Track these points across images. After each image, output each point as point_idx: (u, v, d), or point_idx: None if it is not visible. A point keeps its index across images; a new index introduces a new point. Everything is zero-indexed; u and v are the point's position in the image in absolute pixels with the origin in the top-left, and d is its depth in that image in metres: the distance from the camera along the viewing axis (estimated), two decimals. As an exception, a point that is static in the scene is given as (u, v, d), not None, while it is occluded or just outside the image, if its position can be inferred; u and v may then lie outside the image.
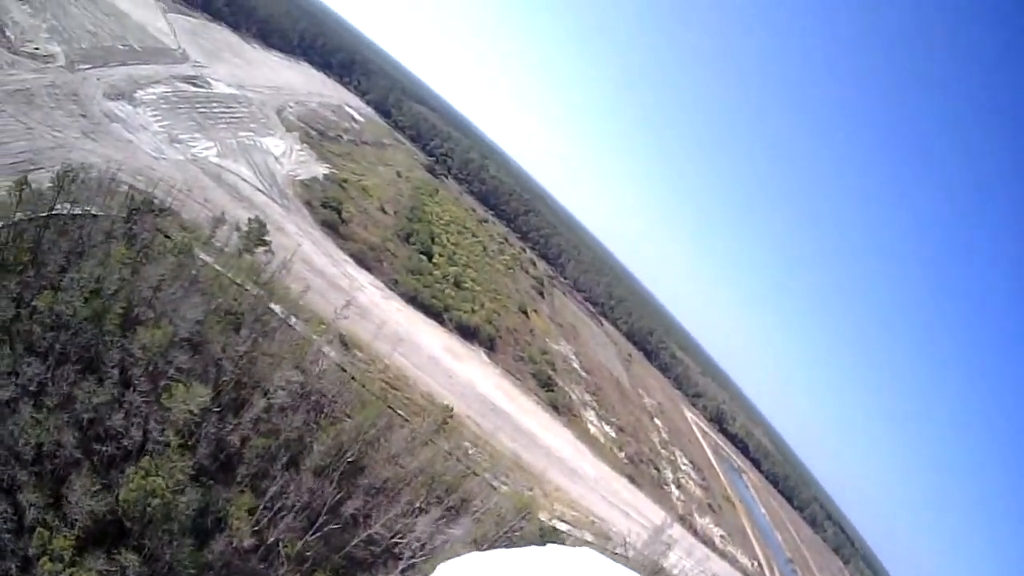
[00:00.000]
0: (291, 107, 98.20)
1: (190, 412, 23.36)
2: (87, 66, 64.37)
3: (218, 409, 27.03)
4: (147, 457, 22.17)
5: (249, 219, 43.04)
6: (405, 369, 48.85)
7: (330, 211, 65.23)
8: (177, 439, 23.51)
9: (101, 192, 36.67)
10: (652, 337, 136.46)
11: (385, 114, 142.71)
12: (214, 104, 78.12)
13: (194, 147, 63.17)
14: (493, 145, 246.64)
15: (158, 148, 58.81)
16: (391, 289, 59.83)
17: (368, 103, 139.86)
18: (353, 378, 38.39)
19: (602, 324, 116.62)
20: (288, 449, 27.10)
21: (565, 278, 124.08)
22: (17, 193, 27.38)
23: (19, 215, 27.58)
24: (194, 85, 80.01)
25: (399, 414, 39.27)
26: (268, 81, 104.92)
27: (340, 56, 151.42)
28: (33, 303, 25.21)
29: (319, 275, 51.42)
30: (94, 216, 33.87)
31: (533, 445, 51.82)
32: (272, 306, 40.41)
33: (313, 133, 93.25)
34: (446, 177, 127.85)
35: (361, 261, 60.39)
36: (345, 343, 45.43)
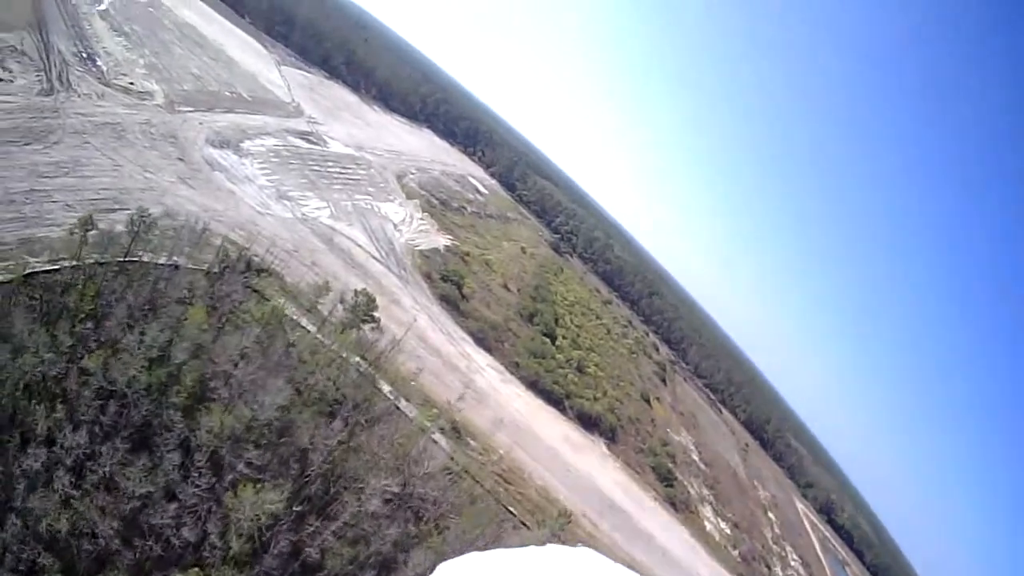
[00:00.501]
0: (412, 173, 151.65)
1: (258, 517, 37.83)
2: (189, 108, 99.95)
3: (298, 508, 43.45)
4: (196, 569, 35.15)
5: (356, 291, 69.90)
6: (521, 462, 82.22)
7: (450, 285, 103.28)
8: (240, 543, 37.33)
9: (190, 242, 60.15)
10: (769, 426, 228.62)
11: (510, 187, 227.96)
12: (329, 163, 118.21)
13: (305, 206, 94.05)
14: (615, 223, 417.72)
15: (264, 203, 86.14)
16: (511, 372, 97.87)
17: (492, 175, 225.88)
18: (465, 471, 66.39)
19: (721, 412, 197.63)
20: (379, 564, 44.98)
21: (686, 363, 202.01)
22: (81, 232, 46.33)
23: (90, 257, 48.04)
24: (308, 141, 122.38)
25: (511, 512, 70.11)
26: (389, 145, 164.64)
27: (464, 125, 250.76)
28: (85, 361, 40.36)
29: (435, 354, 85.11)
30: (176, 268, 57.45)
31: (650, 547, 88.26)
32: (380, 386, 66.59)
33: (435, 202, 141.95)
34: (571, 255, 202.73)
35: (481, 341, 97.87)
36: (458, 431, 75.25)
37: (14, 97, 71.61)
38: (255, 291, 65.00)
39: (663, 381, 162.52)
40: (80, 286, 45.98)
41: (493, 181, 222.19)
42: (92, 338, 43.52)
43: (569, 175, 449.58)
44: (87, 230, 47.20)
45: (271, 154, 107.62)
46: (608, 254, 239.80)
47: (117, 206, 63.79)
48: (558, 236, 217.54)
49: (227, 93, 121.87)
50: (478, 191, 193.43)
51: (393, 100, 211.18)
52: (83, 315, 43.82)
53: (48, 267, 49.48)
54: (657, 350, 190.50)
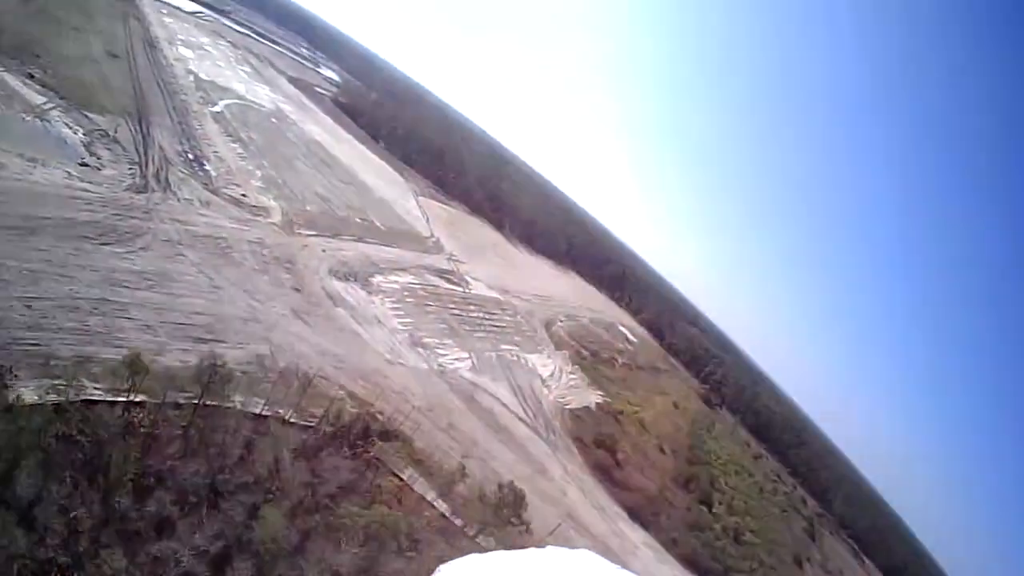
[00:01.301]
0: (561, 321, 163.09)
1: None
2: (311, 232, 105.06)
3: None
4: None
5: (501, 485, 71.24)
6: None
7: (603, 451, 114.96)
8: None
9: (297, 391, 62.89)
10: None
11: (658, 335, 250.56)
12: (472, 307, 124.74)
13: (443, 356, 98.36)
14: (759, 369, 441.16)
15: (394, 349, 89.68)
16: (668, 551, 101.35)
17: (640, 322, 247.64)
18: None
19: (864, 562, 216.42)
20: None
21: (832, 514, 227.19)
22: (128, 371, 46.68)
23: (163, 395, 49.29)
24: (449, 281, 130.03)
25: None
26: (535, 289, 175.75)
27: (611, 269, 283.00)
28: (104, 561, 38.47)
29: (585, 533, 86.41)
30: (269, 419, 57.94)
31: None
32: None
33: (585, 353, 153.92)
34: (720, 407, 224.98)
35: (636, 515, 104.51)
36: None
37: (98, 187, 72.86)
38: (377, 461, 63.33)
39: (811, 537, 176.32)
40: (133, 436, 44.44)
41: (642, 329, 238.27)
42: (122, 521, 39.88)
43: (713, 319, 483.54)
44: (133, 368, 46.32)
45: (405, 293, 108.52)
46: (756, 404, 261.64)
47: (209, 336, 62.07)
48: (707, 387, 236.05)
49: (357, 220, 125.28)
50: (628, 340, 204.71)
51: (538, 240, 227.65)
52: (126, 478, 41.38)
53: (105, 397, 46.06)
54: (805, 503, 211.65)
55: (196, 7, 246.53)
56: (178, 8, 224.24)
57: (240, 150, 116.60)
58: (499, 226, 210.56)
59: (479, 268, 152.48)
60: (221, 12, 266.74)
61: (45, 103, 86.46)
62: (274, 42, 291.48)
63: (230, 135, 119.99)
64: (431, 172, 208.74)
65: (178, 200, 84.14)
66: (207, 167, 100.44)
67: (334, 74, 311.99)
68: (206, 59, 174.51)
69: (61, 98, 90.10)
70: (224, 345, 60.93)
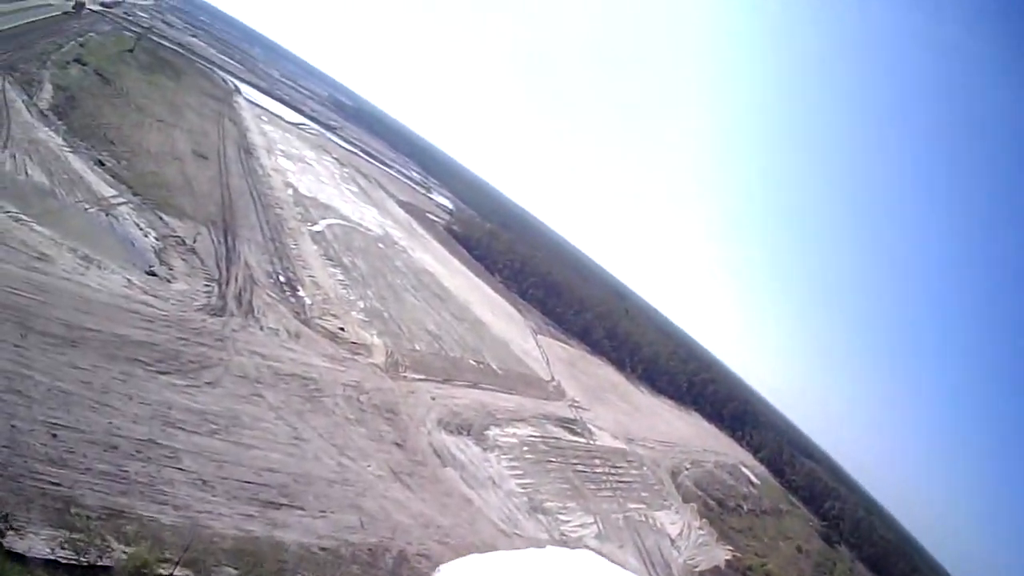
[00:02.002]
0: (687, 468, 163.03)
1: None
2: (419, 376, 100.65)
3: None
4: None
5: None
6: None
7: None
8: None
9: (392, 572, 57.07)
10: None
11: (778, 472, 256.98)
12: (596, 461, 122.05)
13: (566, 522, 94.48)
14: (871, 496, 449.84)
15: (511, 517, 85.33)
16: None
17: (761, 460, 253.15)
18: None
19: None
20: None
21: None
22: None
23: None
24: (571, 432, 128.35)
25: None
26: (659, 434, 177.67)
27: (732, 406, 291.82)
28: None
29: None
30: None
31: None
32: None
33: (712, 503, 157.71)
34: (839, 544, 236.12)
35: None
36: None
37: (164, 303, 66.09)
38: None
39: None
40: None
41: (762, 468, 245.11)
42: None
43: (830, 451, 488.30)
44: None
45: (525, 448, 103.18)
46: (873, 535, 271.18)
47: (283, 500, 53.21)
48: (826, 524, 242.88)
49: (472, 362, 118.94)
50: (751, 482, 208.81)
51: (660, 379, 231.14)
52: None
53: (136, 567, 37.91)
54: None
55: (300, 119, 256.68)
56: (279, 116, 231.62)
57: (341, 276, 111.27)
58: (620, 365, 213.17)
59: (602, 414, 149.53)
60: (327, 127, 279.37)
61: (114, 196, 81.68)
62: (384, 163, 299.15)
63: (330, 259, 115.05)
64: (549, 308, 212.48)
65: (261, 329, 77.23)
66: (300, 293, 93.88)
67: (447, 201, 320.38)
68: (308, 173, 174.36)
69: (134, 194, 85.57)
70: (301, 513, 52.70)
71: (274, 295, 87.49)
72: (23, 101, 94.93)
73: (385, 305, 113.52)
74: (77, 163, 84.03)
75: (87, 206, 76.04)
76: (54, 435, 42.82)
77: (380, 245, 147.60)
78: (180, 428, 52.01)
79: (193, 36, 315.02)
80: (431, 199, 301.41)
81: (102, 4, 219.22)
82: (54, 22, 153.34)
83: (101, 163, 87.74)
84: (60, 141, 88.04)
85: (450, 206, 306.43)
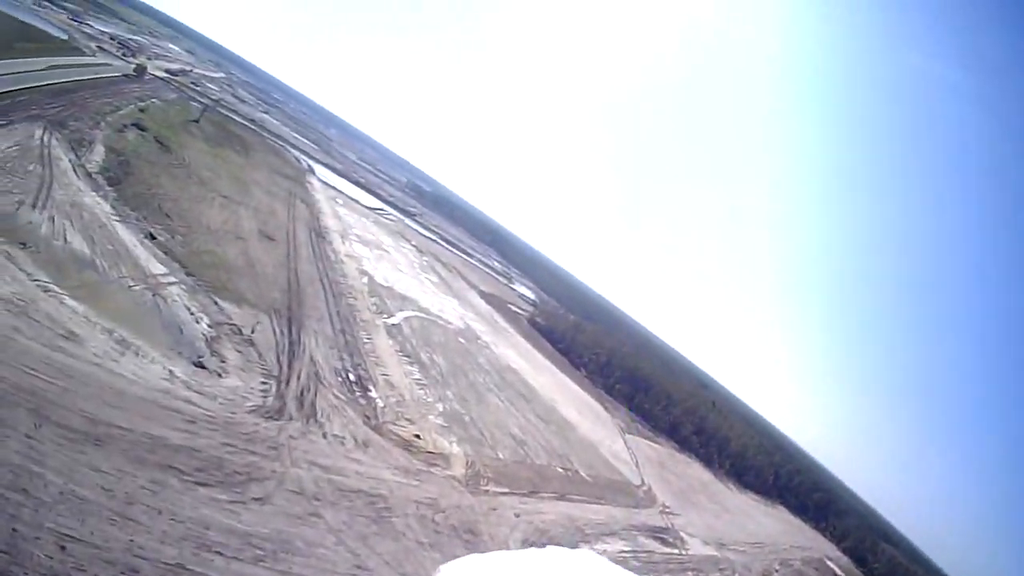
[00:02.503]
0: (776, 570, 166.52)
1: None
2: (501, 489, 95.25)
3: None
4: None
5: None
6: None
7: None
8: None
9: None
10: None
11: (861, 562, 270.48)
12: (688, 574, 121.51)
13: None
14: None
15: None
16: None
17: (844, 551, 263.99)
18: None
19: None
20: None
21: None
22: None
23: None
24: (664, 543, 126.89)
25: None
26: (749, 535, 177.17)
27: (817, 496, 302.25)
28: None
29: None
30: None
31: None
32: None
33: None
34: None
35: None
36: None
37: (211, 401, 59.73)
38: None
39: None
40: None
41: (846, 559, 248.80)
42: None
43: (907, 531, 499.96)
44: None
45: (617, 565, 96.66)
46: None
47: None
48: None
49: (559, 469, 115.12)
50: None
51: (747, 474, 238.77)
52: None
53: None
54: None
55: (378, 203, 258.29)
56: (356, 200, 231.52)
57: (419, 375, 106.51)
58: (708, 462, 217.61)
59: (694, 519, 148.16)
60: (406, 213, 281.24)
61: (164, 275, 76.91)
62: (465, 252, 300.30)
63: (407, 355, 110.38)
64: (637, 404, 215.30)
65: (324, 436, 70.89)
66: (372, 394, 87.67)
67: (529, 291, 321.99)
68: (385, 261, 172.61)
69: (188, 274, 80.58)
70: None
71: (342, 396, 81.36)
72: (70, 161, 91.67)
73: (466, 407, 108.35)
74: (125, 234, 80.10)
75: (131, 283, 71.31)
76: (63, 547, 36.89)
77: (461, 340, 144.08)
78: (218, 553, 44.99)
79: (265, 112, 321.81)
80: (513, 290, 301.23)
81: (167, 71, 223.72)
82: (112, 83, 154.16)
83: (152, 236, 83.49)
84: (108, 208, 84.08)
85: (532, 297, 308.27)
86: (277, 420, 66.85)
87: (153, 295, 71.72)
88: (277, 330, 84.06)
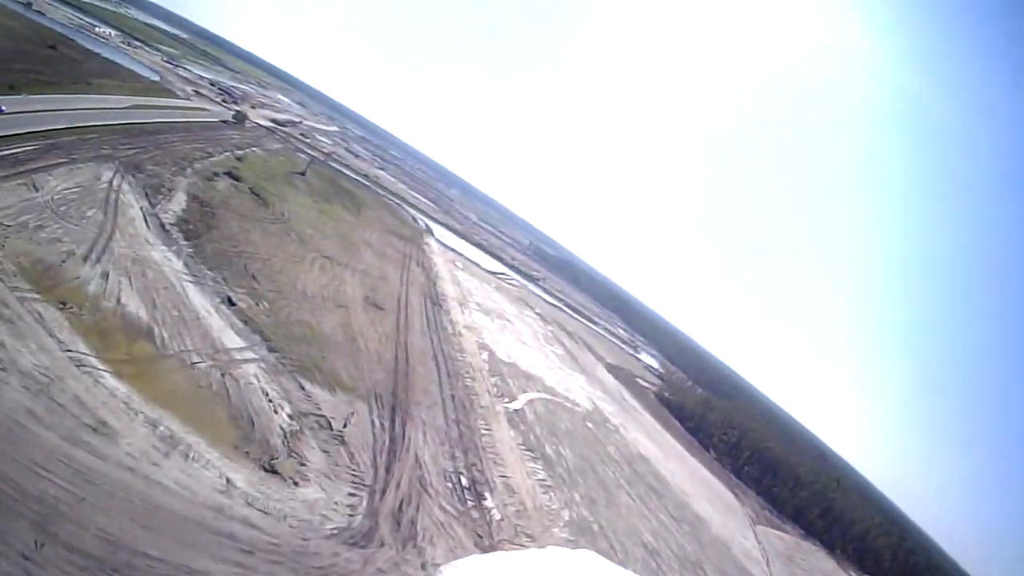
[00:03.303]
0: None
1: None
2: None
3: None
4: None
5: None
6: None
7: None
8: None
9: None
10: None
11: None
12: None
13: None
14: None
15: None
16: None
17: None
18: None
19: None
20: None
21: None
22: None
23: None
24: None
25: None
26: None
27: None
28: None
29: None
30: None
31: None
32: None
33: None
34: None
35: None
36: None
37: (278, 523, 49.22)
38: None
39: None
40: None
41: None
42: None
43: None
44: None
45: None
46: None
47: None
48: None
49: None
50: None
51: (867, 558, 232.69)
52: None
53: None
54: None
55: (500, 267, 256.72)
56: (477, 263, 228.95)
57: (543, 474, 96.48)
58: (831, 548, 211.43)
59: None
60: (529, 278, 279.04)
61: (240, 350, 68.50)
62: (590, 319, 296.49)
63: (531, 449, 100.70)
64: (765, 487, 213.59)
65: (423, 568, 59.32)
66: (487, 502, 77.07)
67: (654, 361, 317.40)
68: (507, 332, 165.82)
69: (271, 349, 71.92)
70: None
71: (450, 508, 70.03)
72: (141, 209, 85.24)
73: (595, 512, 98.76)
74: (197, 298, 71.96)
75: (195, 358, 62.00)
76: None
77: (589, 424, 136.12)
78: None
79: (381, 169, 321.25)
80: (639, 360, 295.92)
81: (273, 120, 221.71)
82: (207, 128, 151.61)
83: (231, 302, 75.31)
84: (179, 266, 76.59)
85: (658, 367, 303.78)
86: (364, 547, 55.20)
87: (222, 375, 62.03)
88: (376, 422, 73.89)
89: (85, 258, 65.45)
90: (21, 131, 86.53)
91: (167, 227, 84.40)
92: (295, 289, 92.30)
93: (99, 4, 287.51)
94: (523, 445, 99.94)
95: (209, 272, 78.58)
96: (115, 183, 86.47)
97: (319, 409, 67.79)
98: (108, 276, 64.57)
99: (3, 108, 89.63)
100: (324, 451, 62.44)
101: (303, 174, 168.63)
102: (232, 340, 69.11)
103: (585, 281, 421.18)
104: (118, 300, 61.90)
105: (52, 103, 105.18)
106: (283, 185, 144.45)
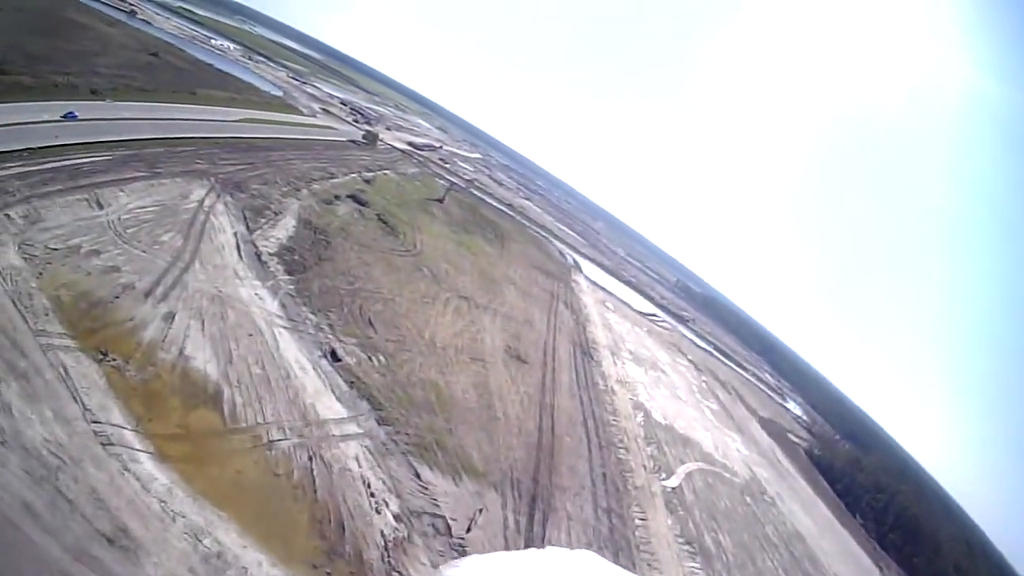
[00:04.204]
0: None
1: None
2: None
3: None
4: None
5: None
6: None
7: None
8: None
9: None
10: None
11: None
12: None
13: None
14: None
15: None
16: None
17: None
18: None
19: None
20: None
21: None
22: None
23: None
24: None
25: None
26: None
27: None
28: None
29: None
30: None
31: None
32: None
33: None
34: None
35: None
36: None
37: None
38: None
39: None
40: None
41: None
42: None
43: None
44: None
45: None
46: None
47: None
48: None
49: None
50: None
51: None
52: None
53: None
54: None
55: (649, 306, 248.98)
56: (626, 303, 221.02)
57: (700, 571, 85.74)
58: None
59: None
60: (679, 319, 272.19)
61: (341, 420, 57.51)
62: (740, 365, 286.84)
63: (689, 542, 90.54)
64: (905, 556, 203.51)
65: None
66: None
67: (799, 409, 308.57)
68: (662, 386, 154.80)
69: (381, 420, 61.00)
70: None
71: (596, 636, 58.04)
72: (235, 234, 76.20)
73: None
74: (291, 350, 60.98)
75: (277, 434, 50.77)
76: None
77: (747, 499, 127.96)
78: None
79: (526, 199, 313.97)
80: (787, 409, 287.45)
81: (410, 144, 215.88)
82: (331, 147, 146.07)
83: (335, 356, 64.64)
84: (273, 307, 66.42)
85: (802, 414, 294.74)
86: None
87: (310, 458, 50.48)
88: (511, 519, 61.80)
89: (147, 293, 55.58)
90: (94, 140, 79.36)
91: (265, 258, 74.98)
92: (421, 338, 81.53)
93: (219, 19, 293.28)
94: (681, 537, 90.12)
95: (312, 316, 68.42)
96: (207, 203, 78.02)
97: (437, 506, 56.29)
98: (173, 318, 54.41)
99: (76, 114, 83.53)
100: (440, 553, 51.48)
101: (441, 201, 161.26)
102: (330, 408, 58.15)
103: (733, 321, 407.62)
104: (181, 351, 51.32)
105: (141, 111, 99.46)
106: (417, 212, 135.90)
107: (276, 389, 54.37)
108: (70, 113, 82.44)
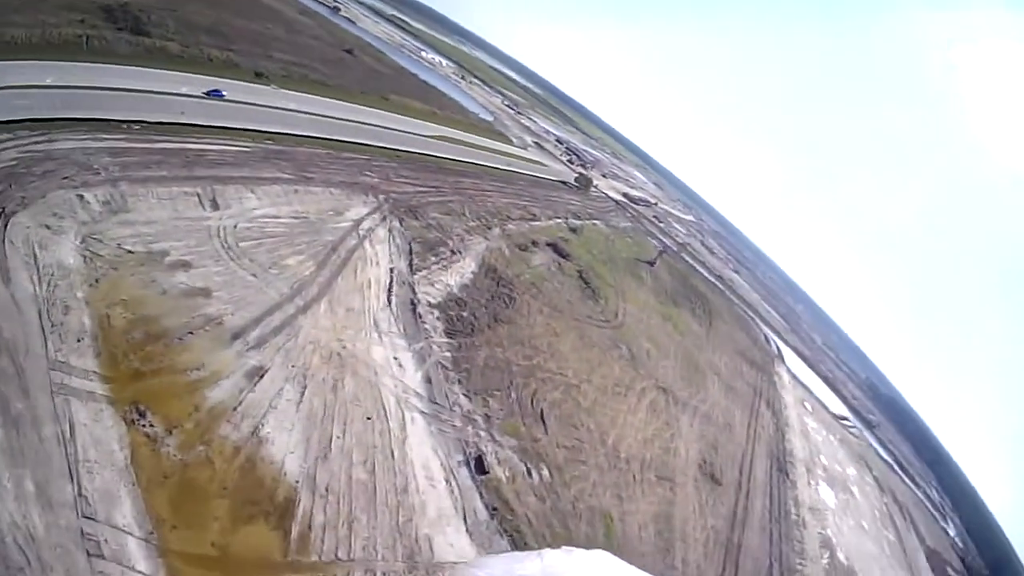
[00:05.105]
0: None
1: None
2: None
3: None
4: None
5: None
6: None
7: None
8: None
9: None
10: None
11: None
12: None
13: None
14: None
15: None
16: None
17: None
18: None
19: None
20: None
21: None
22: None
23: None
24: None
25: None
26: None
27: None
28: None
29: None
30: None
31: None
32: None
33: None
34: None
35: None
36: None
37: None
38: None
39: None
40: None
41: None
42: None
43: None
44: None
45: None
46: None
47: None
48: None
49: None
50: None
51: None
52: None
53: None
54: None
55: (842, 408, 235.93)
56: (824, 406, 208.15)
57: None
58: None
59: None
60: (867, 424, 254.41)
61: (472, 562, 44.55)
62: (913, 480, 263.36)
63: None
64: None
65: None
66: None
67: (954, 532, 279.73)
68: (849, 514, 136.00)
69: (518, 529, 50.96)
70: None
71: None
72: (391, 270, 62.21)
73: None
74: (422, 447, 47.54)
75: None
76: None
77: None
78: None
79: (735, 272, 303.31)
80: (947, 534, 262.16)
81: (625, 195, 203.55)
82: (537, 184, 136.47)
83: (482, 466, 50.49)
84: (414, 379, 51.98)
85: (958, 540, 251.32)
86: None
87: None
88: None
89: (237, 335, 42.44)
90: (233, 125, 69.02)
91: (422, 309, 60.60)
92: (603, 445, 65.99)
93: (435, 35, 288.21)
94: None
95: (464, 399, 53.61)
96: (365, 224, 65.20)
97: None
98: (262, 377, 40.84)
99: (222, 93, 75.96)
100: None
101: (652, 264, 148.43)
102: (453, 546, 44.41)
103: (910, 427, 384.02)
104: (256, 429, 37.62)
105: (312, 105, 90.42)
106: (624, 274, 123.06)
107: (381, 507, 40.20)
108: (215, 91, 74.49)
